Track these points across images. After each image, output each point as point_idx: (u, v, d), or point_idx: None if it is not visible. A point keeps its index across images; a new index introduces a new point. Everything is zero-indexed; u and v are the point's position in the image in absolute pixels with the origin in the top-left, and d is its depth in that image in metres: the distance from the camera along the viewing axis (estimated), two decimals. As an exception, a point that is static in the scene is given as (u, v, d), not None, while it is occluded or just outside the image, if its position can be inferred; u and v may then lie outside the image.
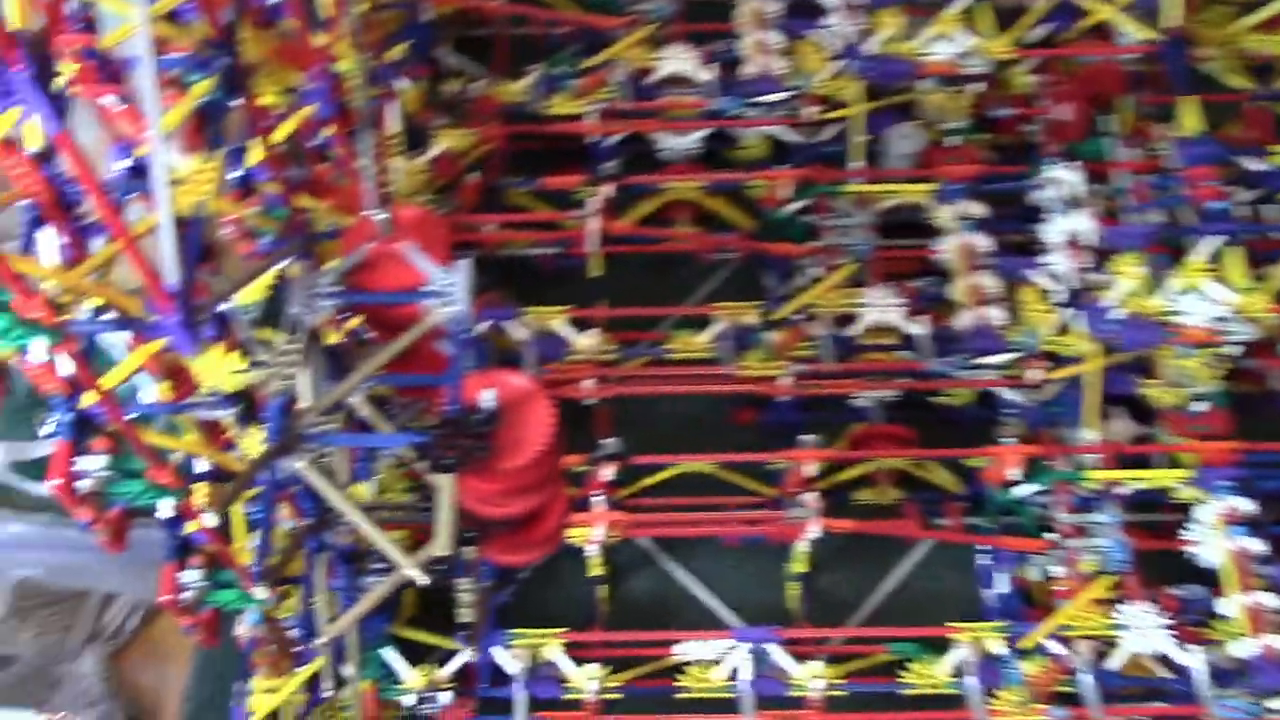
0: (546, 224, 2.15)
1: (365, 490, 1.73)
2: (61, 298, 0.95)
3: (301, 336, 1.06)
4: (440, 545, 0.92)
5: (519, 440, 1.05)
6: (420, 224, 1.24)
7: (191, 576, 1.41)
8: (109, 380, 1.08)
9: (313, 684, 1.64)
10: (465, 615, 1.06)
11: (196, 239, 1.06)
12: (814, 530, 1.70)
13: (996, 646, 1.64)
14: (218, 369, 1.03)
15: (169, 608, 1.35)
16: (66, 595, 1.84)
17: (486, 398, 1.02)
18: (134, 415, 1.12)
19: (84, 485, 1.14)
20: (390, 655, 1.65)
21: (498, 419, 1.03)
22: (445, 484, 0.96)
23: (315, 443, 0.99)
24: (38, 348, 0.96)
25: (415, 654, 1.79)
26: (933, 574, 1.97)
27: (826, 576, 1.96)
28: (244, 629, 1.48)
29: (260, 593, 1.41)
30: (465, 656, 1.53)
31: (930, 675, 1.62)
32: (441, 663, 1.64)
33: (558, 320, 1.90)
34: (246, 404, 1.13)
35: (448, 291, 1.10)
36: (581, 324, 1.92)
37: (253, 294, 1.33)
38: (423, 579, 0.92)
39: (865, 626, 1.83)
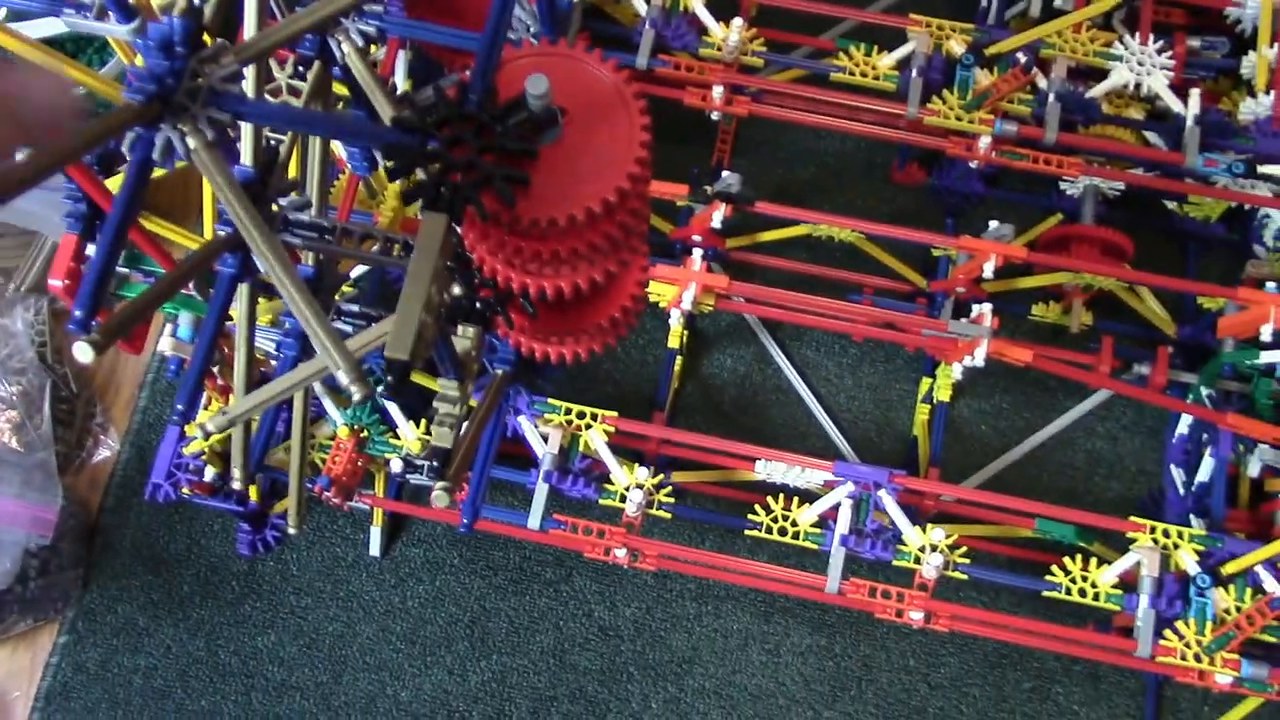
0: None
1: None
2: None
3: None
4: (396, 345, 0.52)
5: (581, 172, 0.61)
6: None
7: (105, 256, 1.03)
8: None
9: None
10: (439, 436, 0.66)
11: None
12: (981, 354, 1.26)
13: (1188, 560, 1.24)
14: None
15: (63, 295, 0.98)
16: (9, 232, 1.48)
17: (536, 88, 0.58)
18: None
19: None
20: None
21: (550, 129, 0.60)
22: (430, 230, 0.55)
23: (220, 109, 0.57)
24: None
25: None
26: (1108, 431, 1.51)
27: (963, 403, 1.55)
28: (168, 343, 1.10)
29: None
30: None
31: (1089, 582, 1.22)
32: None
33: (693, -5, 1.40)
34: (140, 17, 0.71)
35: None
36: (724, 8, 1.43)
37: None
38: (358, 395, 0.53)
39: (1001, 490, 1.42)
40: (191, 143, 0.57)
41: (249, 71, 0.68)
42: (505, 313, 0.68)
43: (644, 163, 0.63)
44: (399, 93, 0.88)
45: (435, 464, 0.66)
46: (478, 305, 0.68)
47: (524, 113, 0.58)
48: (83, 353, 0.54)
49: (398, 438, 1.23)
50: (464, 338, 0.65)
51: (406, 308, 0.53)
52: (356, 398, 0.51)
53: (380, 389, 0.52)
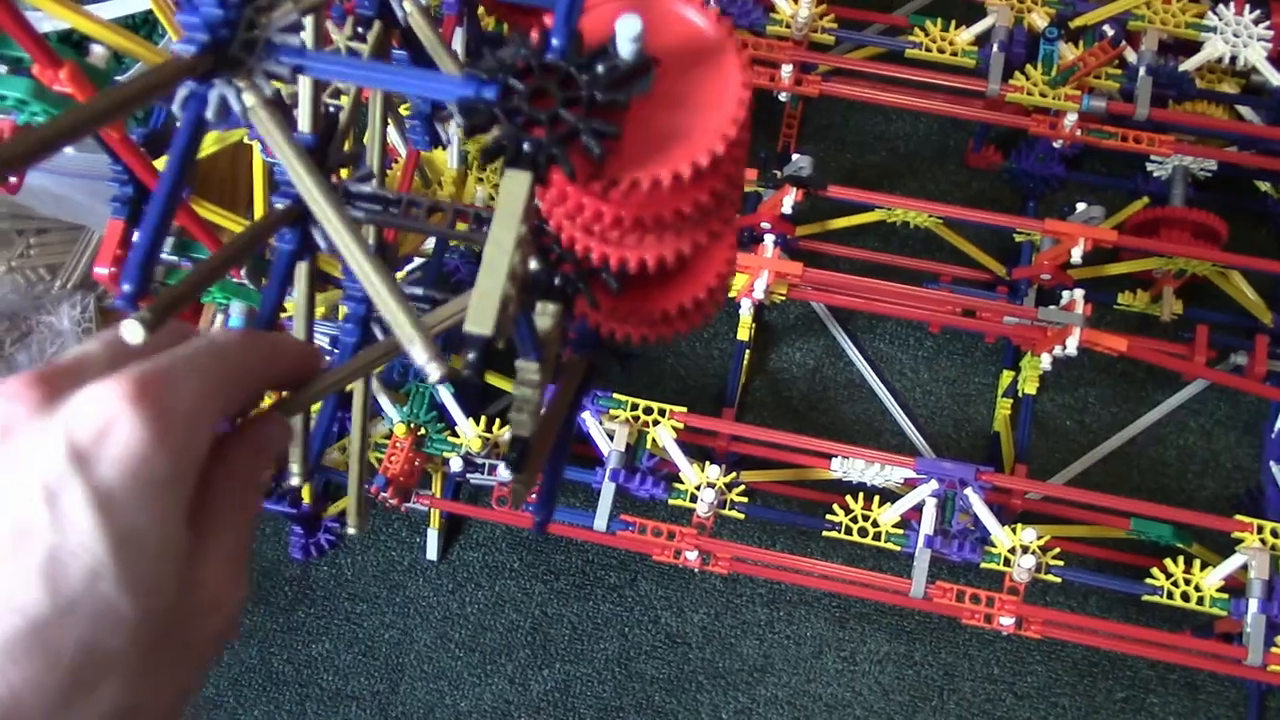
0: None
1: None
2: None
3: None
4: (477, 318, 0.46)
5: (671, 131, 0.55)
6: None
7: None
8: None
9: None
10: (517, 424, 0.61)
11: None
12: (1074, 343, 1.19)
13: (1297, 563, 1.16)
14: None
15: (109, 283, 0.93)
16: (55, 227, 1.45)
17: (628, 30, 0.52)
18: None
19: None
20: (445, 394, 1.24)
21: (641, 78, 0.54)
22: (512, 190, 0.49)
23: (278, 62, 0.52)
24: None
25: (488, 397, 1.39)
26: (1201, 427, 1.43)
27: (1046, 397, 1.48)
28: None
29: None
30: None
31: (1192, 585, 1.15)
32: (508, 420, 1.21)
33: (759, -28, 1.34)
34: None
35: None
36: (791, -16, 1.36)
37: None
38: (436, 374, 0.47)
39: (1088, 488, 1.35)
40: (248, 100, 0.51)
41: (307, 26, 0.63)
42: (588, 289, 0.62)
43: (741, 124, 0.56)
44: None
45: (514, 455, 0.61)
46: (557, 281, 0.62)
47: (613, 61, 0.52)
48: (132, 332, 0.48)
49: (456, 436, 1.18)
50: (544, 315, 0.59)
51: (488, 277, 0.47)
52: (434, 377, 0.46)
53: (463, 370, 0.46)
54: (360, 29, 0.70)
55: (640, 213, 0.57)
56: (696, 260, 0.67)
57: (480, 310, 0.46)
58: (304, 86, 0.64)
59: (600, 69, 0.52)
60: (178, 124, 0.81)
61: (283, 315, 0.76)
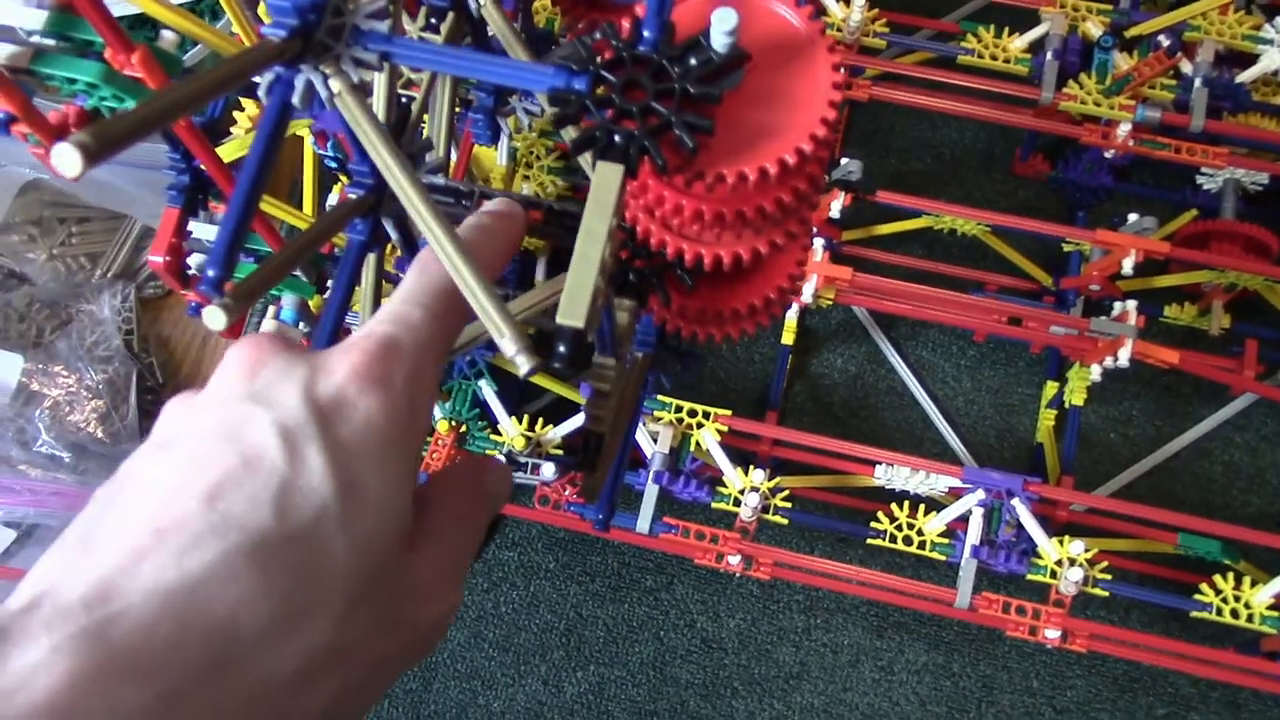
0: None
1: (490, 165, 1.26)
2: None
3: None
4: (569, 310, 0.45)
5: (759, 127, 0.54)
6: None
7: (209, 232, 0.98)
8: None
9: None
10: (593, 421, 0.60)
11: None
12: (1125, 355, 1.18)
13: (1351, 586, 1.14)
14: None
15: (163, 272, 0.93)
16: (97, 215, 1.45)
17: (724, 23, 0.51)
18: None
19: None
20: (488, 392, 1.24)
21: (733, 72, 0.53)
22: (605, 183, 0.48)
23: (365, 48, 0.51)
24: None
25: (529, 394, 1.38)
26: (1247, 442, 1.41)
27: (1090, 409, 1.46)
28: (270, 325, 1.05)
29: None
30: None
31: (1242, 602, 1.13)
32: (553, 417, 1.21)
33: (809, -25, 1.34)
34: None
35: None
36: (843, -13, 1.35)
37: None
38: (527, 365, 0.47)
39: (1132, 502, 1.33)
40: (335, 85, 0.51)
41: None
42: (662, 286, 0.61)
43: (830, 124, 0.55)
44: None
45: (590, 454, 0.60)
46: (631, 277, 0.61)
47: (706, 53, 0.51)
48: (214, 318, 0.48)
49: (498, 434, 1.18)
50: (621, 310, 0.59)
51: (581, 269, 0.46)
52: (525, 369, 0.45)
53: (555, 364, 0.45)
54: (433, 20, 0.70)
55: (722, 208, 0.56)
56: (769, 260, 0.66)
57: (573, 302, 0.46)
58: (380, 76, 0.63)
59: (693, 61, 0.51)
60: (235, 113, 0.80)
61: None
